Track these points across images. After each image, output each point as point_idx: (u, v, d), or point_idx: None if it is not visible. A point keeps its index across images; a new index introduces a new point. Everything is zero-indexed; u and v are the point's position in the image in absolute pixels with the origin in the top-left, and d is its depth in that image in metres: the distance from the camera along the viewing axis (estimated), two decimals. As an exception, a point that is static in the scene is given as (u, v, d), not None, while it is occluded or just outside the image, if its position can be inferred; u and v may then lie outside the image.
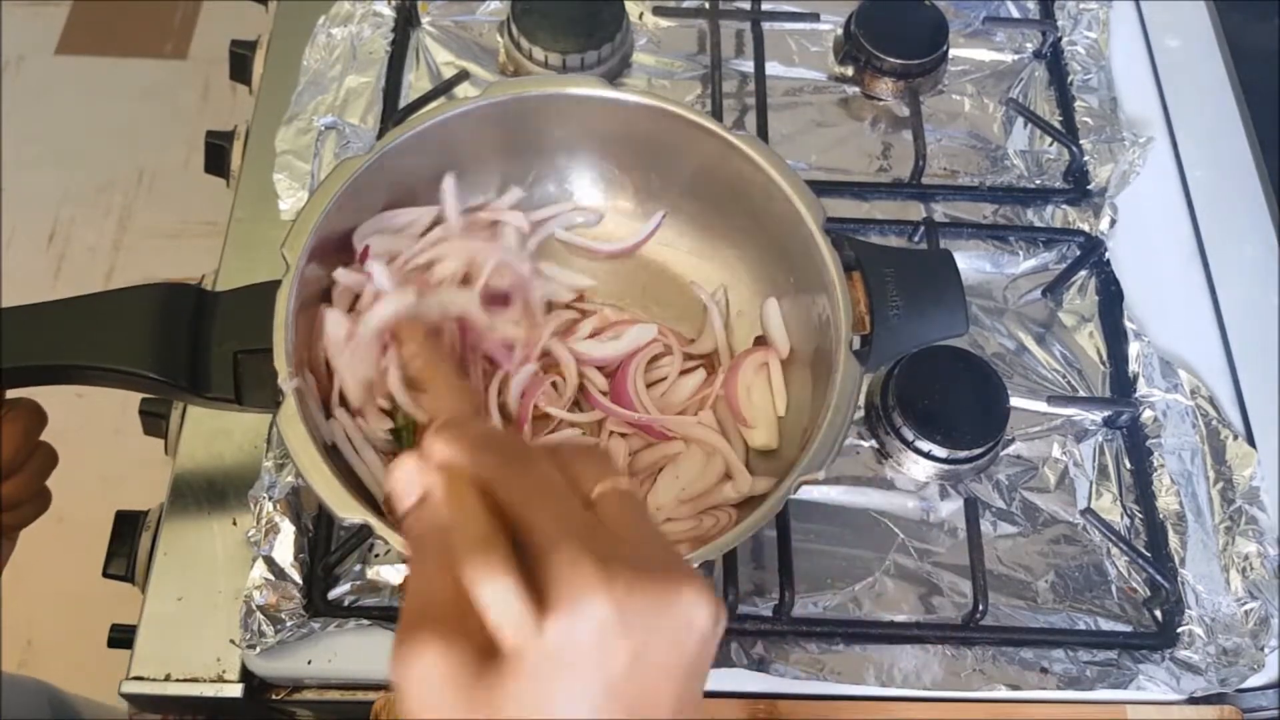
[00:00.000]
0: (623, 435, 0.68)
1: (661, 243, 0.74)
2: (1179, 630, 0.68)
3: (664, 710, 0.36)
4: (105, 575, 0.71)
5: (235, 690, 0.65)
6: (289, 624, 0.65)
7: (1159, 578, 0.70)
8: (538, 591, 0.35)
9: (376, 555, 0.68)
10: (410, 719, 0.35)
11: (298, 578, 0.66)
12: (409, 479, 0.40)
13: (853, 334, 0.61)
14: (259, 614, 0.65)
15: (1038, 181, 0.86)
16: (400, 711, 0.35)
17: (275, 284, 0.59)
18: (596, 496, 0.39)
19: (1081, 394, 0.77)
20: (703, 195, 0.71)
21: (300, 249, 0.60)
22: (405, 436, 0.63)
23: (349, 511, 0.54)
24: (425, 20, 0.90)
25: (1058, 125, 0.88)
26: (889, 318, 0.62)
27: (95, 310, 0.60)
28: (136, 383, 0.59)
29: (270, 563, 0.66)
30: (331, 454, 0.59)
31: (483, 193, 0.72)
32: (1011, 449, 0.75)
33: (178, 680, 0.65)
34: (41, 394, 0.63)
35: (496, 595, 0.35)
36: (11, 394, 0.59)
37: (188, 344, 0.60)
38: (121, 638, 0.67)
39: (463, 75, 0.86)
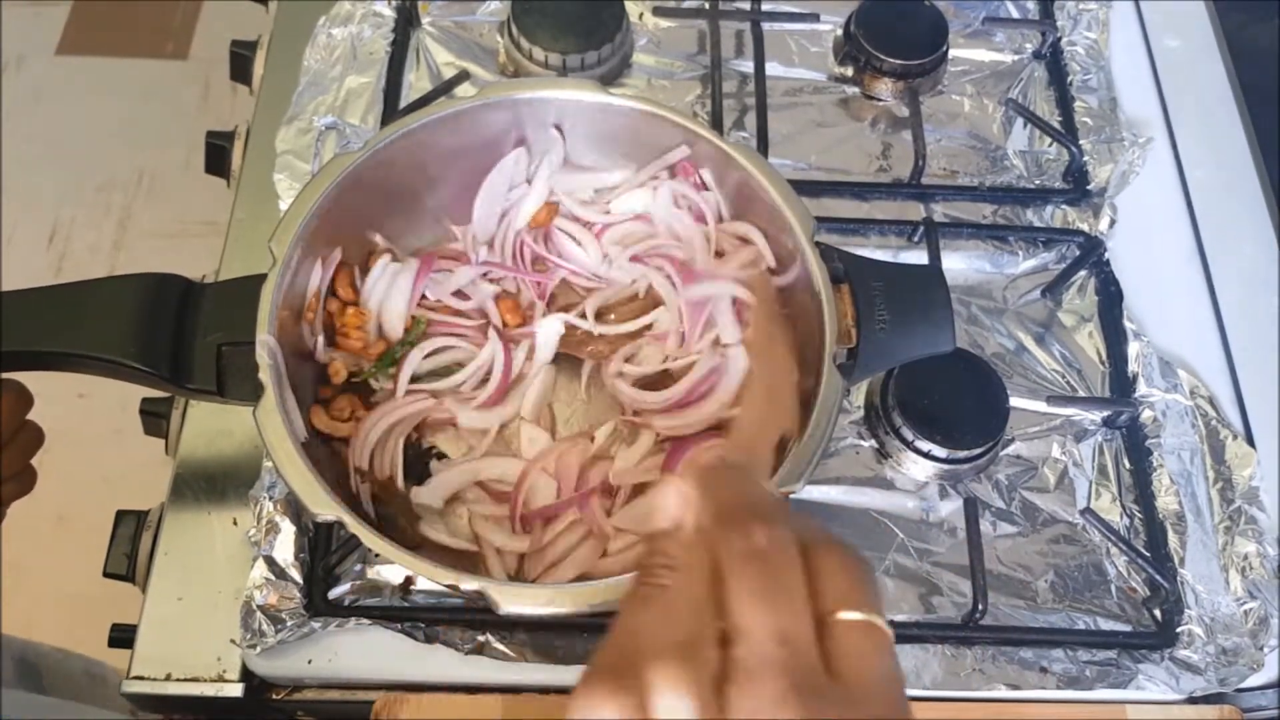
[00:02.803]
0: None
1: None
2: (1178, 630, 0.69)
3: None
4: (105, 575, 0.71)
5: (235, 690, 0.66)
6: (289, 624, 0.65)
7: (1158, 577, 0.70)
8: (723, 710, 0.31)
9: (377, 555, 0.68)
10: None
11: (298, 577, 0.66)
12: (671, 504, 0.37)
13: (838, 347, 0.61)
14: (259, 613, 0.65)
15: (1037, 182, 0.86)
16: None
17: (261, 278, 0.59)
18: (837, 622, 0.35)
19: (1081, 394, 0.78)
20: None
21: (288, 244, 0.60)
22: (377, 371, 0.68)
23: (323, 508, 0.55)
24: (425, 20, 0.90)
25: (1057, 125, 0.88)
26: (875, 332, 0.62)
27: (80, 298, 0.60)
28: (119, 371, 0.59)
29: (270, 562, 0.66)
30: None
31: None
32: (1011, 449, 0.75)
33: (178, 680, 0.65)
34: (44, 395, 0.63)
35: (667, 713, 0.31)
36: None
37: (172, 335, 0.59)
38: (122, 638, 0.68)
39: (463, 75, 0.86)
